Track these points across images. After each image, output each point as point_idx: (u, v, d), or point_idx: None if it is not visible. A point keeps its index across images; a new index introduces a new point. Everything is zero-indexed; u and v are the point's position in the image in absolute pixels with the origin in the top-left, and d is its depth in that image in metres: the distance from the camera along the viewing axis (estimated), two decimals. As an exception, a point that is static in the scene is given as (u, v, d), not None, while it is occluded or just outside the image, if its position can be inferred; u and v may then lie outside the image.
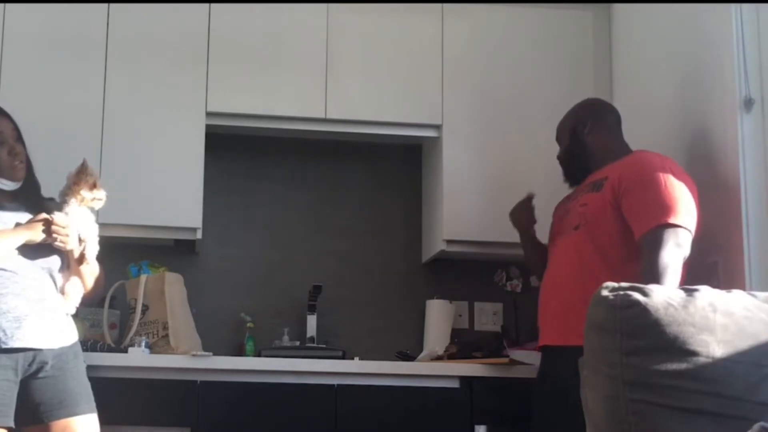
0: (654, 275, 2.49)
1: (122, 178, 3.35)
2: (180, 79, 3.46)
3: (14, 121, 2.76)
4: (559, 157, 3.03)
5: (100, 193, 2.75)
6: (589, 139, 2.91)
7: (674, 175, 2.62)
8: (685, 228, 2.57)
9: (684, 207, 2.58)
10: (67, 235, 2.64)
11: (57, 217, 2.63)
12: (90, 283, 2.79)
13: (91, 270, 2.78)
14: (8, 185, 2.72)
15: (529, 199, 3.14)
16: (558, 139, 3.05)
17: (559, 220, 2.93)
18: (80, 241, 2.70)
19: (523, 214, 3.14)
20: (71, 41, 3.42)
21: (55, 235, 2.62)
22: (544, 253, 3.03)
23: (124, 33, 3.45)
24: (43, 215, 2.64)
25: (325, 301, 3.69)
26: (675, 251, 2.54)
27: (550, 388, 2.74)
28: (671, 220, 2.56)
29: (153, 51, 3.46)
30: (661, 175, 2.62)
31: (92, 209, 2.77)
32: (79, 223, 2.70)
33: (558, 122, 3.06)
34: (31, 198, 2.76)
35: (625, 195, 2.66)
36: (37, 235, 2.62)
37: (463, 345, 3.50)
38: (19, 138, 2.76)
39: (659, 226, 2.56)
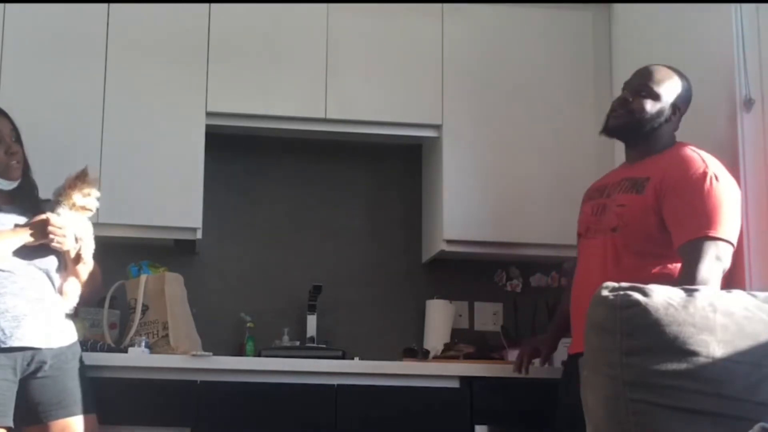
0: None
1: (122, 178, 3.35)
2: (180, 79, 3.46)
3: (13, 121, 2.76)
4: (630, 104, 2.71)
5: (92, 202, 2.75)
6: (671, 119, 2.71)
7: (718, 179, 2.51)
8: (726, 241, 2.48)
9: (726, 218, 2.48)
10: (64, 236, 2.65)
11: (53, 218, 2.64)
12: (88, 281, 2.80)
13: (89, 269, 2.79)
14: (4, 184, 2.72)
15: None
16: (648, 83, 2.70)
17: (594, 215, 2.79)
18: (76, 240, 2.70)
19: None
20: (71, 41, 3.41)
21: (52, 237, 2.63)
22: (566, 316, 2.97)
23: (124, 33, 3.45)
24: (41, 217, 2.65)
25: (325, 301, 3.69)
26: (715, 265, 2.45)
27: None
28: (712, 233, 2.46)
29: (153, 51, 3.46)
30: (704, 180, 2.51)
31: (83, 214, 2.76)
32: (74, 223, 2.71)
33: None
34: (27, 199, 2.77)
35: (666, 199, 2.56)
36: (34, 236, 2.63)
37: (480, 345, 3.48)
38: (18, 138, 2.76)
39: (699, 238, 2.47)
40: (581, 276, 2.80)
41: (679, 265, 2.55)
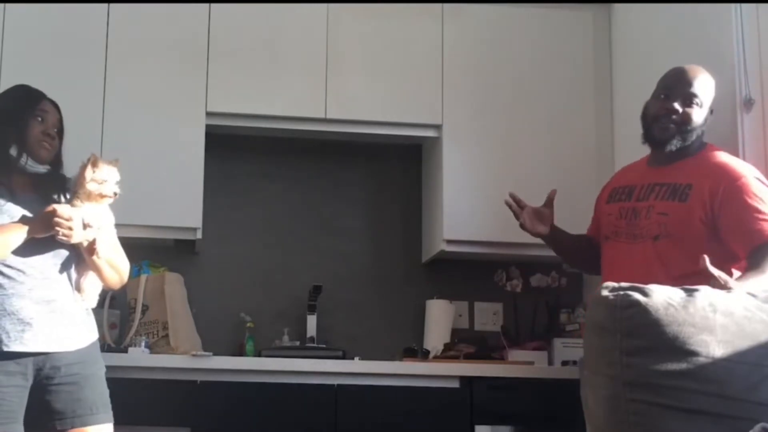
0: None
1: (122, 178, 3.33)
2: (180, 79, 3.46)
3: (62, 118, 2.69)
4: (679, 115, 2.67)
5: (109, 188, 2.57)
6: (706, 121, 2.70)
7: (765, 184, 2.54)
8: None
9: None
10: (70, 228, 2.47)
11: (60, 209, 2.47)
12: (108, 275, 2.65)
13: (109, 262, 2.63)
14: (32, 166, 2.60)
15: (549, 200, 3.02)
16: (691, 90, 2.67)
17: (623, 219, 2.74)
18: (84, 227, 2.51)
19: (534, 219, 3.01)
20: (71, 41, 3.41)
21: (57, 228, 2.46)
22: (587, 243, 2.95)
23: (124, 33, 3.45)
24: (48, 208, 2.48)
25: (325, 301, 3.69)
26: None
27: None
28: None
29: (153, 51, 3.46)
30: (756, 185, 2.52)
31: (101, 202, 2.59)
32: (89, 214, 2.53)
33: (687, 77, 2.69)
34: (53, 190, 2.63)
35: (722, 209, 2.53)
36: (38, 229, 2.48)
37: (480, 345, 3.48)
38: (60, 132, 2.67)
39: (765, 243, 2.45)
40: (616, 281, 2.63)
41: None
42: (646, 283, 2.35)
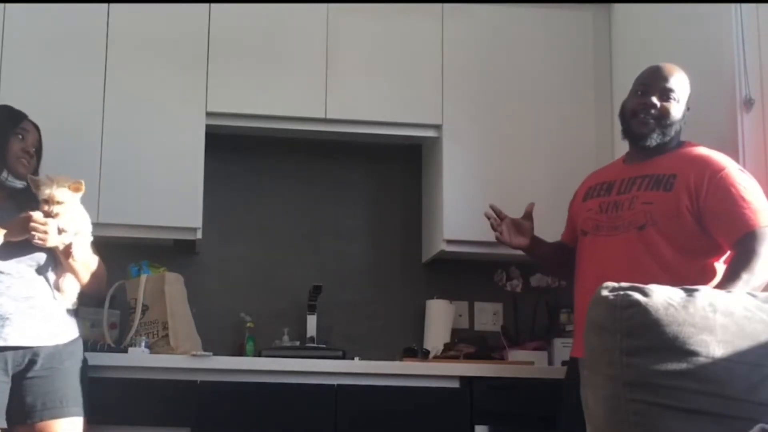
0: (759, 278, 2.43)
1: (122, 178, 3.35)
2: (180, 79, 3.46)
3: (41, 139, 2.86)
4: (657, 109, 2.69)
5: (49, 197, 2.66)
6: (684, 117, 2.73)
7: (744, 173, 2.56)
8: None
9: (766, 208, 2.52)
10: (45, 233, 2.61)
11: (36, 215, 2.61)
12: (85, 278, 2.78)
13: (85, 265, 2.77)
14: (11, 181, 2.75)
15: (527, 214, 3.05)
16: (667, 85, 2.70)
17: (604, 213, 2.75)
18: (60, 232, 2.64)
19: (513, 236, 3.04)
20: (71, 41, 3.42)
21: (33, 233, 2.60)
22: (562, 250, 2.98)
23: (124, 33, 3.45)
24: (24, 214, 2.63)
25: (325, 301, 3.69)
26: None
27: None
28: (762, 224, 2.47)
29: (153, 51, 3.47)
30: (739, 175, 2.54)
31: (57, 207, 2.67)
32: (63, 221, 2.65)
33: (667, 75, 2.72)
34: (28, 200, 2.73)
35: (707, 201, 2.54)
36: (14, 233, 2.61)
37: (480, 345, 3.48)
38: (38, 153, 2.84)
39: (752, 232, 2.46)
40: (596, 275, 2.60)
41: (718, 260, 2.56)
42: (631, 274, 2.38)
